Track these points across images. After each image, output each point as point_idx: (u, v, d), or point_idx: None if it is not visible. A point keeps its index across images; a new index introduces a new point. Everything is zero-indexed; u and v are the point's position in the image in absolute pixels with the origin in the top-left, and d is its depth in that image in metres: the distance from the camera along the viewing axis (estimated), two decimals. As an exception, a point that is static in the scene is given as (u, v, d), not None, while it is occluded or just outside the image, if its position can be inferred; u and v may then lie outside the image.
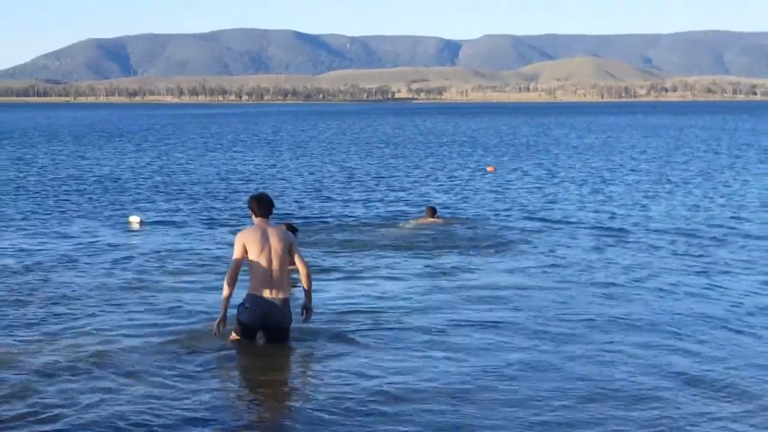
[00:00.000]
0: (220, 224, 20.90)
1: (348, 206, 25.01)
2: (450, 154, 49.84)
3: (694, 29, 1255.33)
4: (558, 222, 21.63)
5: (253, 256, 9.50)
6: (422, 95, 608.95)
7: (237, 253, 9.51)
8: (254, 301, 9.58)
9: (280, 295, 9.62)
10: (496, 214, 23.07)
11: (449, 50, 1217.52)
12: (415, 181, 32.87)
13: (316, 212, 23.53)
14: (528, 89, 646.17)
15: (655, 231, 19.94)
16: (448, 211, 23.59)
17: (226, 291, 9.43)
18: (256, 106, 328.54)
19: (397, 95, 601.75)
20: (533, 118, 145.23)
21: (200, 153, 51.16)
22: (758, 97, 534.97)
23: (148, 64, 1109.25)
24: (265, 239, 9.58)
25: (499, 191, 29.02)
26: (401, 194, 28.32)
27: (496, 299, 12.71)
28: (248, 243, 9.52)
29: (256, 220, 9.81)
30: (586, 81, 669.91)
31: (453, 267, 15.20)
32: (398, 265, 15.45)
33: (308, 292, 9.82)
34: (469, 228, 20.25)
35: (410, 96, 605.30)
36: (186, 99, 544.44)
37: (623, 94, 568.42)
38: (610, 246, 17.78)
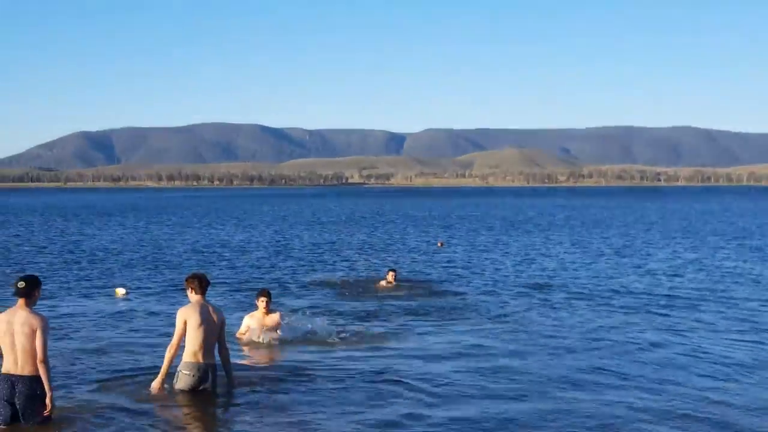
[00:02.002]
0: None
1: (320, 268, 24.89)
2: (403, 229, 49.98)
3: (605, 124, 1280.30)
4: (503, 286, 21.77)
5: (191, 329, 9.70)
6: (372, 180, 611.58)
7: (179, 326, 9.74)
8: (191, 366, 9.78)
9: (211, 361, 9.87)
10: (450, 280, 23.07)
11: (395, 141, 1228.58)
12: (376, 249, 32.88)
13: (285, 276, 23.43)
14: (464, 175, 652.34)
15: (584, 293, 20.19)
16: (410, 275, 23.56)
17: (168, 357, 9.69)
18: (226, 190, 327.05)
19: (350, 180, 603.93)
20: (471, 199, 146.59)
21: (178, 230, 50.71)
22: (662, 183, 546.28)
23: (131, 153, 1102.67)
24: (204, 315, 9.79)
25: (449, 262, 29.04)
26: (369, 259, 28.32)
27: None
28: (189, 318, 9.73)
29: (195, 297, 9.94)
30: (514, 168, 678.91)
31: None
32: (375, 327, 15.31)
33: (228, 367, 10.11)
34: (424, 292, 20.16)
35: (362, 181, 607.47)
36: (164, 184, 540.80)
37: (546, 180, 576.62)
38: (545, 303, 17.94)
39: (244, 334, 13.40)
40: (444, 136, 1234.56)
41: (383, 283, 21.00)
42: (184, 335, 9.82)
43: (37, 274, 23.11)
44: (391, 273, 21.22)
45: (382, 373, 11.30)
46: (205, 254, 32.21)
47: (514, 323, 15.77)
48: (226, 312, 16.07)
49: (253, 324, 13.36)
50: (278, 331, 13.46)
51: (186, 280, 10.15)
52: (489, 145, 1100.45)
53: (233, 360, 11.35)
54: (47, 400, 8.41)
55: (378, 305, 17.83)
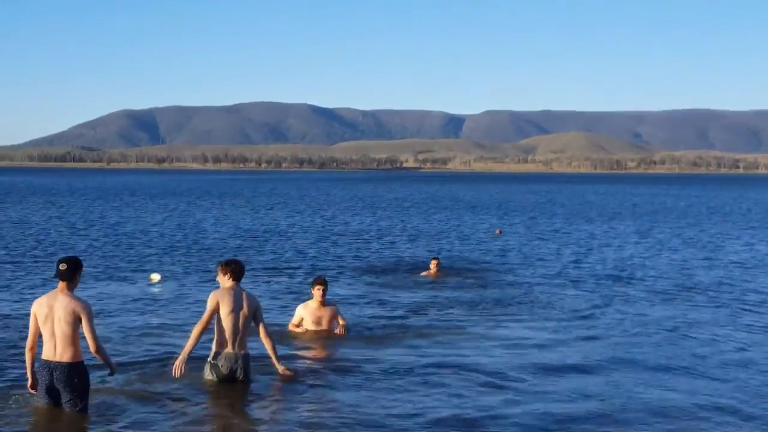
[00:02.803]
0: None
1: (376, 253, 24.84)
2: (459, 216, 49.82)
3: (680, 107, 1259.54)
4: (570, 277, 21.46)
5: (223, 315, 9.73)
6: (428, 165, 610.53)
7: (210, 306, 9.75)
8: (223, 357, 9.80)
9: (245, 352, 9.91)
10: (508, 270, 22.92)
11: (453, 124, 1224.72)
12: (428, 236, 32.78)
13: (329, 263, 23.47)
14: (526, 161, 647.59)
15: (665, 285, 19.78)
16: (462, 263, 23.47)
17: (194, 335, 9.69)
18: (275, 173, 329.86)
19: (404, 164, 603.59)
20: (533, 185, 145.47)
21: (221, 214, 51.10)
22: (741, 171, 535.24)
23: (176, 133, 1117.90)
24: (237, 301, 9.81)
25: (505, 250, 28.86)
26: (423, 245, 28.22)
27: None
28: (222, 302, 9.75)
29: (229, 283, 9.97)
30: (580, 154, 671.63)
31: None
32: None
33: (275, 355, 10.21)
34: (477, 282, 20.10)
35: (417, 165, 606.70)
36: (210, 166, 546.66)
37: (615, 166, 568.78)
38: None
39: (297, 325, 13.33)
40: (505, 119, 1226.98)
41: (426, 272, 21.00)
42: (213, 318, 9.82)
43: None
44: (434, 261, 21.19)
45: (437, 367, 11.29)
46: (248, 239, 32.44)
47: (567, 316, 15.55)
48: (263, 300, 16.16)
49: (307, 315, 13.28)
50: (338, 322, 13.42)
51: (220, 266, 10.17)
52: (553, 128, 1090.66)
53: (284, 353, 11.53)
54: (109, 374, 9.01)
55: (422, 296, 17.76)
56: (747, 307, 17.15)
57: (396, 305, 16.54)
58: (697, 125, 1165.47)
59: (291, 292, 18.32)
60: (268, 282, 20.00)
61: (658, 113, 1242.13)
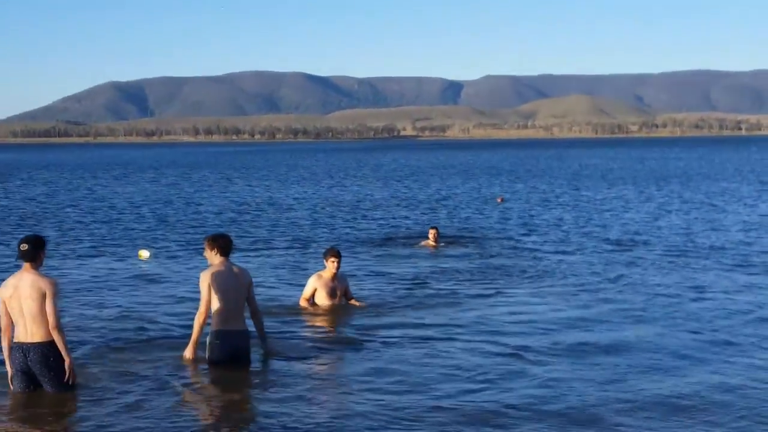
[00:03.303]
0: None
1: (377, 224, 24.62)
2: (460, 184, 49.61)
3: (682, 69, 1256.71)
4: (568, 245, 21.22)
5: (218, 294, 9.60)
6: (426, 133, 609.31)
7: (204, 292, 9.66)
8: (221, 335, 9.65)
9: (243, 328, 9.80)
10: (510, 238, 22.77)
11: (452, 90, 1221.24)
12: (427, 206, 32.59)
13: (325, 234, 23.31)
14: (526, 126, 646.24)
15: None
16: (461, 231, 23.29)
17: (198, 323, 9.69)
18: (269, 145, 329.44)
19: (402, 133, 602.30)
20: (534, 151, 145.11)
21: (214, 187, 50.87)
22: (743, 132, 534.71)
23: (165, 105, 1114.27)
24: (230, 278, 9.70)
25: (508, 218, 28.70)
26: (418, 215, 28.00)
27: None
28: (214, 281, 9.63)
29: (217, 259, 9.85)
30: (581, 118, 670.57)
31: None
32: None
33: (263, 333, 10.16)
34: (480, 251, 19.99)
35: (415, 134, 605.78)
36: (201, 138, 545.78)
37: (616, 131, 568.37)
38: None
39: (308, 299, 13.08)
40: (505, 84, 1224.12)
41: (425, 242, 20.93)
42: (210, 298, 9.68)
43: (47, 234, 23.12)
44: (432, 231, 21.08)
45: (447, 340, 11.17)
46: (242, 213, 32.27)
47: (574, 286, 15.30)
48: (259, 275, 15.92)
49: (320, 286, 13.04)
50: (349, 296, 13.32)
51: (206, 241, 9.99)
52: (554, 92, 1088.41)
53: (290, 328, 11.62)
54: (66, 367, 8.45)
55: (422, 267, 17.60)
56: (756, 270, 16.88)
57: (396, 277, 16.33)
58: (699, 87, 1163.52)
59: (289, 266, 18.13)
60: (264, 256, 19.82)
61: (659, 75, 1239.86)
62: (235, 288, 9.70)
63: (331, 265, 13.03)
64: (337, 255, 13.09)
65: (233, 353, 9.66)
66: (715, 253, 19.67)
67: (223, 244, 9.86)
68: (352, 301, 13.29)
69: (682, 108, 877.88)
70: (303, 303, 13.11)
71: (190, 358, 9.78)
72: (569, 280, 15.99)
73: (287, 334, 11.45)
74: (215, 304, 9.64)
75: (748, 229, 24.79)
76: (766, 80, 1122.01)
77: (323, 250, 13.92)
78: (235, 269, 9.85)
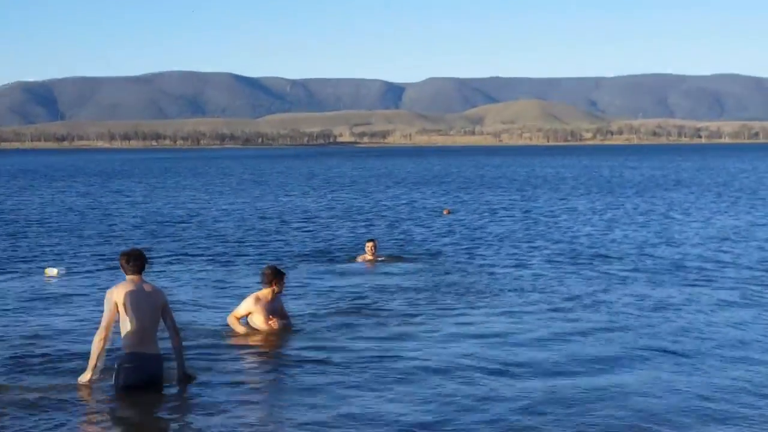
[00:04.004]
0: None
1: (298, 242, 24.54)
2: (402, 194, 49.76)
3: (638, 72, 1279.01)
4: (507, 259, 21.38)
5: (128, 313, 9.52)
6: (365, 139, 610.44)
7: (109, 309, 9.56)
8: (131, 359, 9.55)
9: (156, 352, 9.73)
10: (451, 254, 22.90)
11: (393, 93, 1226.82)
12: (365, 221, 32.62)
13: (247, 250, 23.18)
14: (473, 132, 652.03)
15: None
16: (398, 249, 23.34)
17: (98, 347, 9.58)
18: (193, 151, 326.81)
19: (339, 139, 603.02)
20: (482, 159, 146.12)
21: (130, 197, 50.29)
22: (703, 140, 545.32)
23: (78, 108, 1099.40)
24: (141, 297, 9.62)
25: (453, 231, 28.91)
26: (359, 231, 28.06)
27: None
28: (122, 300, 9.53)
29: (131, 275, 9.80)
30: (532, 124, 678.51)
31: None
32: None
33: (181, 356, 10.02)
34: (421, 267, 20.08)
35: (353, 140, 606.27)
36: (118, 144, 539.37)
37: (569, 138, 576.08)
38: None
39: (239, 317, 12.90)
40: (450, 87, 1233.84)
41: (362, 257, 20.94)
42: (116, 320, 9.63)
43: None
44: (370, 244, 21.06)
45: (391, 360, 11.31)
46: (162, 226, 31.99)
47: (526, 304, 15.47)
48: (180, 294, 15.73)
49: (258, 309, 12.86)
50: (284, 317, 13.18)
51: (120, 257, 10.01)
52: (502, 96, 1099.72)
53: (215, 350, 11.68)
54: None
55: (358, 284, 17.64)
56: (707, 279, 17.24)
57: (329, 296, 16.33)
58: (656, 91, 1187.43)
59: (214, 284, 18.01)
60: (186, 272, 19.68)
61: (614, 79, 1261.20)
62: (148, 308, 9.64)
63: (272, 287, 12.91)
64: (280, 276, 12.97)
65: (146, 379, 9.57)
66: (671, 266, 20.03)
67: (136, 261, 9.81)
68: (284, 324, 13.14)
69: (638, 114, 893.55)
70: (232, 321, 12.93)
71: (86, 383, 9.69)
72: (520, 297, 16.15)
73: (211, 357, 11.35)
74: (126, 326, 9.56)
75: (705, 242, 25.27)
76: (726, 84, 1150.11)
77: (262, 270, 13.65)
78: (148, 288, 9.83)
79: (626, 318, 14.08)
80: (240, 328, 12.80)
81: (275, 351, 12.00)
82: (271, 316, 12.82)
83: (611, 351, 11.79)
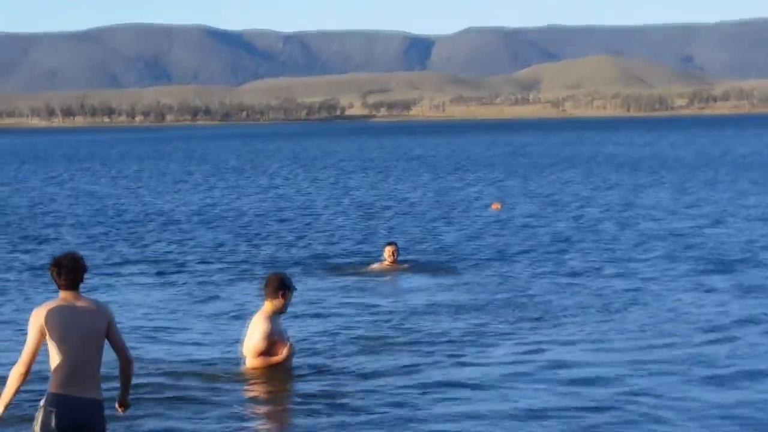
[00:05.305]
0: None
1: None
2: (436, 184, 49.91)
3: (747, 17, 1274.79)
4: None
5: (55, 342, 9.36)
6: (383, 111, 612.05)
7: (33, 336, 9.41)
8: (59, 402, 9.41)
9: (93, 395, 9.57)
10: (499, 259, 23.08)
11: (418, 50, 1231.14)
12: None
13: (237, 257, 23.55)
14: (526, 100, 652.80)
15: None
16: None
17: (16, 382, 9.42)
18: (156, 130, 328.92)
19: (348, 112, 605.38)
20: (538, 137, 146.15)
21: (73, 190, 50.57)
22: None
23: (5, 75, 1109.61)
24: (72, 319, 9.45)
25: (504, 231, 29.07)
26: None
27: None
28: (51, 323, 9.36)
29: (63, 291, 9.62)
30: (606, 89, 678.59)
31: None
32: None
33: (127, 384, 9.94)
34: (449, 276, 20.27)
35: (366, 112, 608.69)
36: (58, 122, 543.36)
37: (657, 106, 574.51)
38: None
39: (262, 352, 13.09)
40: (494, 41, 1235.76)
41: (378, 264, 21.28)
42: (39, 348, 9.45)
43: None
44: (389, 248, 21.28)
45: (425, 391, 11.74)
46: (115, 225, 32.32)
47: (608, 331, 15.60)
48: (133, 313, 15.70)
49: (275, 330, 13.11)
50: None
51: (50, 266, 9.72)
52: (564, 52, 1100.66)
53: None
54: None
55: (376, 299, 18.07)
56: None
57: (339, 317, 16.56)
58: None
59: (183, 301, 18.19)
60: (150, 286, 19.89)
61: (716, 26, 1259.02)
62: (86, 334, 9.49)
63: (281, 300, 13.08)
64: (290, 288, 13.18)
65: (75, 427, 9.44)
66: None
67: (70, 272, 9.58)
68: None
69: (750, 72, 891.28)
70: (257, 363, 13.09)
71: None
72: (606, 318, 16.27)
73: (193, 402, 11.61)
74: (55, 357, 9.42)
75: None
76: None
77: (266, 277, 13.76)
78: (87, 306, 9.63)
79: None
80: (260, 365, 13.05)
81: (279, 391, 12.32)
82: (287, 341, 13.09)
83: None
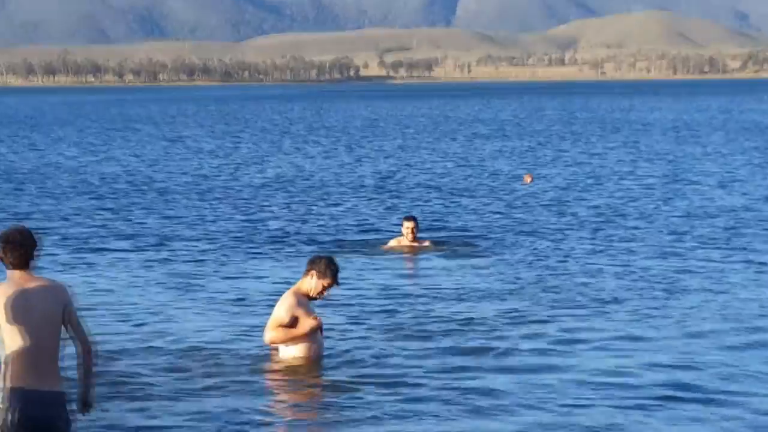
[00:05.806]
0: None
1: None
2: (460, 154, 49.88)
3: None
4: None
5: (7, 328, 9.27)
6: (402, 72, 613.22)
7: None
8: (18, 398, 9.33)
9: (53, 387, 9.44)
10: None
11: (442, 4, 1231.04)
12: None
13: (236, 233, 23.70)
14: (562, 61, 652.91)
15: None
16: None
17: None
18: (148, 90, 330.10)
19: (363, 72, 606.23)
20: (577, 101, 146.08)
21: (48, 156, 50.70)
22: None
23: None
24: (25, 302, 9.27)
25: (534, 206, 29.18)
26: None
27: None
28: (3, 309, 9.25)
29: (11, 272, 9.42)
30: (651, 48, 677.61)
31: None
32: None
33: (89, 377, 9.66)
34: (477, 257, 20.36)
35: (384, 73, 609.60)
36: (38, 81, 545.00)
37: (707, 69, 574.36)
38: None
39: (284, 325, 13.14)
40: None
41: (397, 241, 21.28)
42: None
43: None
44: (408, 224, 21.14)
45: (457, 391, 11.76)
46: (101, 197, 32.40)
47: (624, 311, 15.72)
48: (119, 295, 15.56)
49: (303, 312, 13.15)
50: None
51: None
52: (605, 8, 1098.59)
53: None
54: None
55: (396, 280, 18.29)
56: None
57: (360, 298, 16.58)
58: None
59: (173, 282, 18.14)
60: (128, 264, 19.90)
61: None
62: (39, 318, 9.36)
63: (331, 282, 13.14)
64: (336, 269, 13.19)
65: (35, 426, 9.39)
66: None
67: (18, 247, 9.41)
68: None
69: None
70: (276, 335, 13.13)
71: None
72: (654, 303, 16.26)
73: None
74: (8, 346, 9.33)
75: None
76: None
77: (319, 257, 13.69)
78: (40, 284, 9.46)
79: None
80: (281, 334, 13.11)
81: (306, 379, 12.55)
82: (315, 316, 13.14)
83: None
